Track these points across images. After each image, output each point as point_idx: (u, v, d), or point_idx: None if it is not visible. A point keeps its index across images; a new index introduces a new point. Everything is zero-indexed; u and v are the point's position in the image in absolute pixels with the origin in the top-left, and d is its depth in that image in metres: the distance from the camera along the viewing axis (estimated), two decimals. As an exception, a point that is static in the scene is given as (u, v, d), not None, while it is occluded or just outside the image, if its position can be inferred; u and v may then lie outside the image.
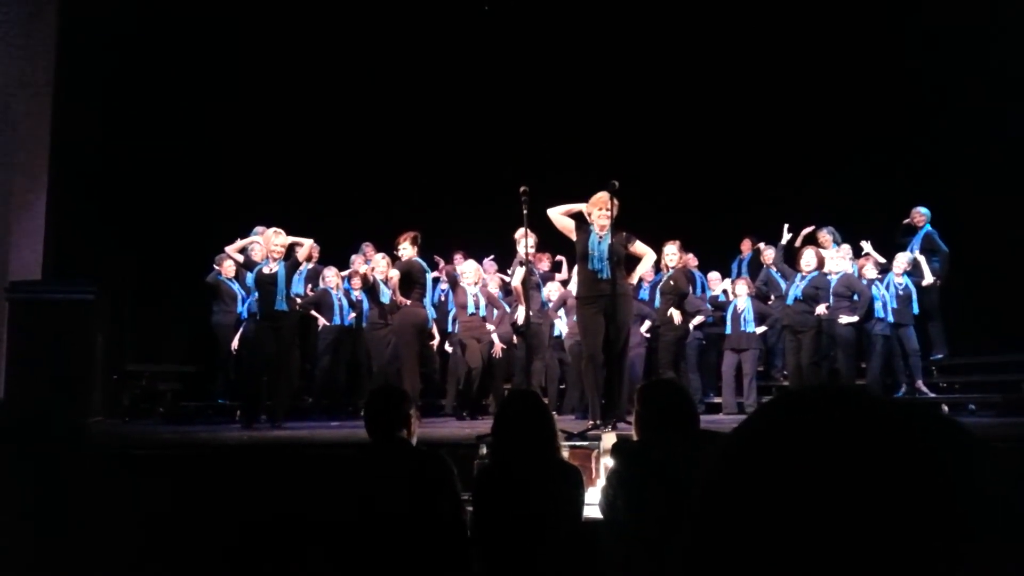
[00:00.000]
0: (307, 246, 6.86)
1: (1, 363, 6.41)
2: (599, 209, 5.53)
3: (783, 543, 0.45)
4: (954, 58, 8.01)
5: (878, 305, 7.33)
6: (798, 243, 7.76)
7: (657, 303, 7.56)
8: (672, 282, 7.36)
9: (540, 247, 7.82)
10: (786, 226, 7.59)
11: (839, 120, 8.98)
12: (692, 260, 8.57)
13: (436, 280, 8.32)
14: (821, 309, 7.01)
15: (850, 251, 7.81)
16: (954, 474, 0.45)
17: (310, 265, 8.29)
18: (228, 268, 7.72)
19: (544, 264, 8.16)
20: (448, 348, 7.93)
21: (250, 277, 6.81)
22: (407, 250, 6.86)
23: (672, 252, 7.30)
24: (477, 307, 7.38)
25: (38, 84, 7.50)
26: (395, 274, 6.81)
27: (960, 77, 8.03)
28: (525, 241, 5.95)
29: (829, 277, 7.10)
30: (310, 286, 8.08)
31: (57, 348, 6.04)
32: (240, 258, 7.30)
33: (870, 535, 0.43)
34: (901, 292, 7.56)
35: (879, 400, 0.50)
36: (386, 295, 7.11)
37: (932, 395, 7.52)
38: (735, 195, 9.43)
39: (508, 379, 7.70)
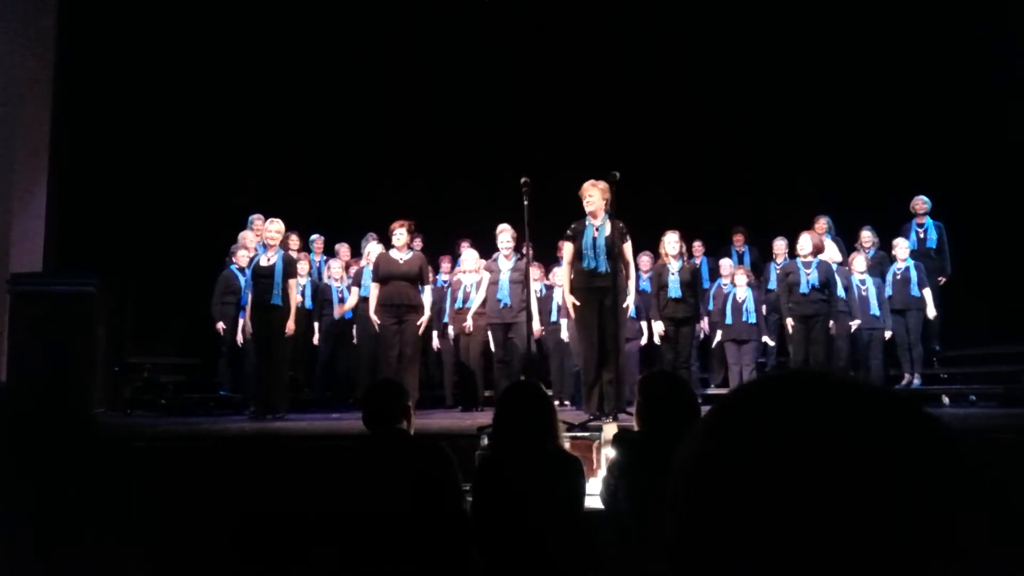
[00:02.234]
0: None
1: (2, 355, 6.42)
2: (584, 200, 5.57)
3: (756, 530, 0.45)
4: (958, 48, 7.98)
5: (874, 303, 7.35)
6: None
7: (676, 293, 7.09)
8: (689, 274, 7.19)
9: (547, 237, 7.80)
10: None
11: (840, 110, 8.96)
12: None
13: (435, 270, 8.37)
14: (855, 324, 7.19)
15: (835, 246, 7.78)
16: (924, 460, 0.45)
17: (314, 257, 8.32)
18: (241, 258, 7.64)
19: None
20: (437, 342, 7.94)
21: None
22: (403, 237, 6.74)
23: (673, 241, 7.13)
24: (466, 300, 7.34)
25: (39, 77, 7.49)
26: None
27: (963, 69, 8.00)
28: (526, 231, 5.92)
29: (810, 260, 6.91)
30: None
31: (58, 340, 6.04)
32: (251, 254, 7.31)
33: (832, 519, 0.43)
34: (899, 276, 7.53)
35: (846, 384, 0.50)
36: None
37: (920, 386, 7.52)
38: (732, 186, 9.42)
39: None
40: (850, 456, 0.45)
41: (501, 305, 7.11)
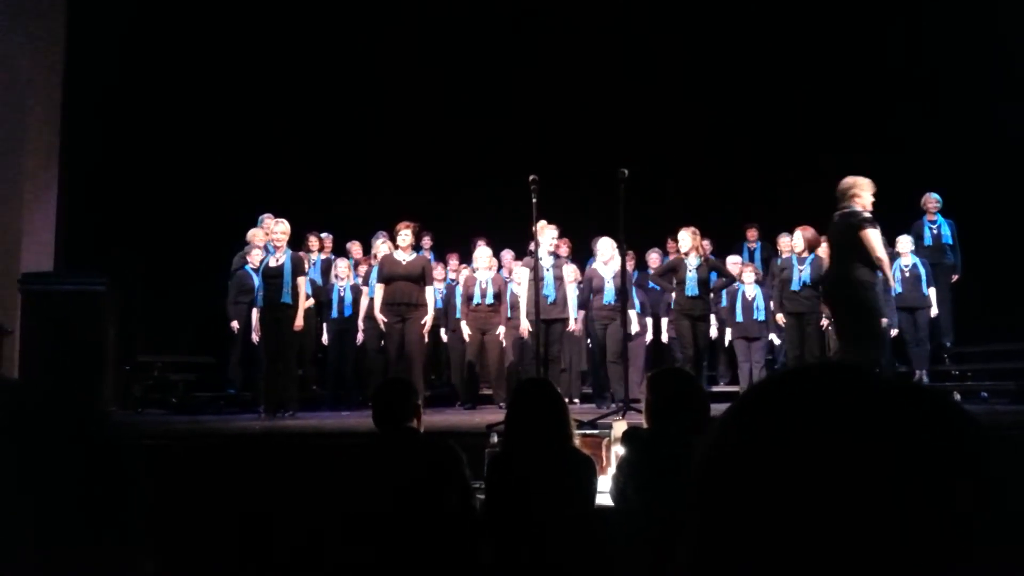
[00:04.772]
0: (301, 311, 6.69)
1: (14, 354, 6.46)
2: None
3: (778, 528, 0.44)
4: (966, 44, 7.94)
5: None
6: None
7: (694, 291, 6.80)
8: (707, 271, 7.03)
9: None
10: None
11: (848, 106, 8.92)
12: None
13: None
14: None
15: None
16: (950, 456, 0.45)
17: (323, 256, 8.31)
18: (255, 257, 7.63)
19: (563, 250, 8.04)
20: (444, 339, 7.93)
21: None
22: (407, 238, 6.78)
23: (685, 237, 6.92)
24: (484, 296, 7.33)
25: (48, 79, 7.54)
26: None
27: (973, 64, 7.96)
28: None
29: (804, 256, 6.84)
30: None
31: (69, 339, 6.07)
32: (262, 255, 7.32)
33: (852, 518, 0.43)
34: (908, 274, 7.46)
35: (870, 376, 0.49)
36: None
37: (929, 383, 7.47)
38: (739, 183, 9.39)
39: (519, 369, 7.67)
40: (873, 450, 0.44)
41: (548, 301, 6.99)
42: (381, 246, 7.42)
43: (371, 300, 7.37)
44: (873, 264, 5.15)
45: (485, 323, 7.35)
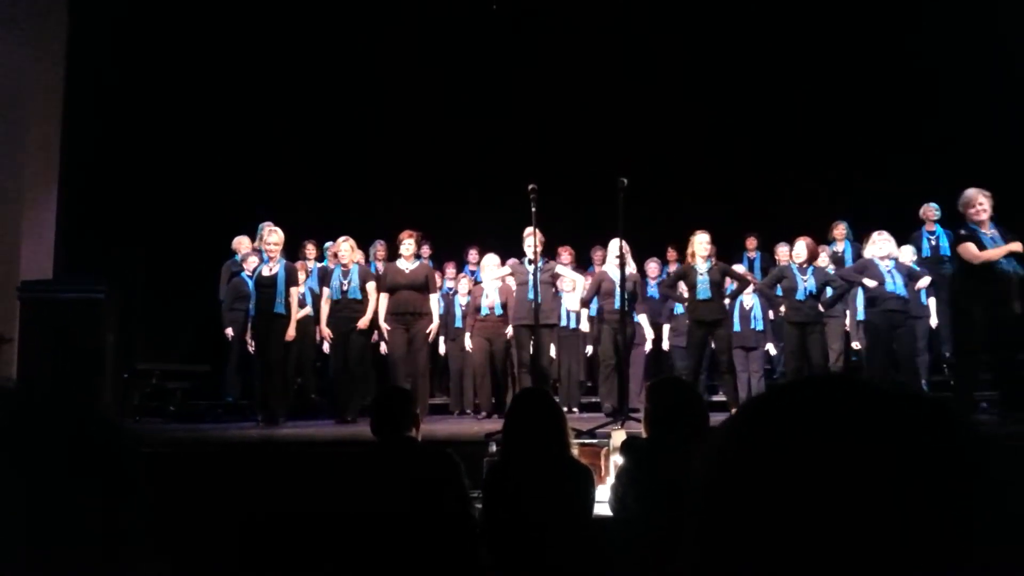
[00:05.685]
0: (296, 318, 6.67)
1: (13, 362, 6.45)
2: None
3: (780, 534, 0.44)
4: (969, 49, 7.97)
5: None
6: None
7: (706, 295, 6.64)
8: (719, 274, 6.82)
9: (557, 243, 7.73)
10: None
11: (847, 115, 8.95)
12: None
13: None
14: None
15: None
16: (951, 463, 0.45)
17: (320, 265, 8.28)
18: (250, 264, 7.59)
19: (565, 257, 7.94)
20: (443, 348, 7.89)
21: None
22: (411, 247, 6.78)
23: (704, 242, 6.70)
24: (492, 308, 7.28)
25: (48, 83, 7.55)
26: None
27: (975, 69, 7.98)
28: (533, 240, 5.93)
29: (806, 267, 6.81)
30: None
31: (68, 347, 6.06)
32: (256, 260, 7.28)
33: (854, 525, 0.43)
34: (906, 284, 7.46)
35: (873, 386, 0.49)
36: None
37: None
38: (739, 192, 9.41)
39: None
40: (874, 455, 0.44)
41: (533, 306, 6.79)
42: (343, 243, 6.98)
43: (333, 303, 7.15)
44: (975, 268, 5.46)
45: (493, 333, 7.30)
